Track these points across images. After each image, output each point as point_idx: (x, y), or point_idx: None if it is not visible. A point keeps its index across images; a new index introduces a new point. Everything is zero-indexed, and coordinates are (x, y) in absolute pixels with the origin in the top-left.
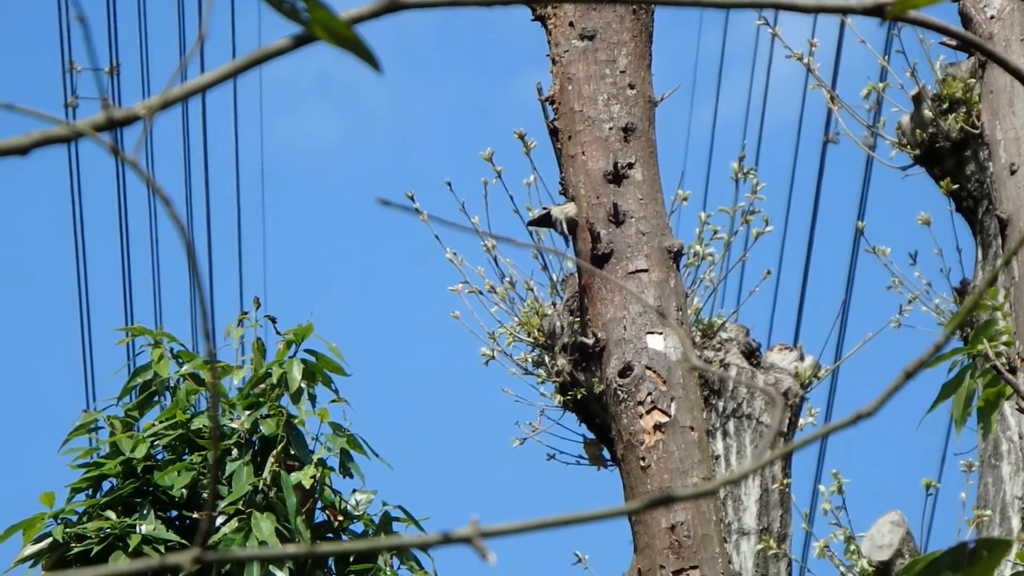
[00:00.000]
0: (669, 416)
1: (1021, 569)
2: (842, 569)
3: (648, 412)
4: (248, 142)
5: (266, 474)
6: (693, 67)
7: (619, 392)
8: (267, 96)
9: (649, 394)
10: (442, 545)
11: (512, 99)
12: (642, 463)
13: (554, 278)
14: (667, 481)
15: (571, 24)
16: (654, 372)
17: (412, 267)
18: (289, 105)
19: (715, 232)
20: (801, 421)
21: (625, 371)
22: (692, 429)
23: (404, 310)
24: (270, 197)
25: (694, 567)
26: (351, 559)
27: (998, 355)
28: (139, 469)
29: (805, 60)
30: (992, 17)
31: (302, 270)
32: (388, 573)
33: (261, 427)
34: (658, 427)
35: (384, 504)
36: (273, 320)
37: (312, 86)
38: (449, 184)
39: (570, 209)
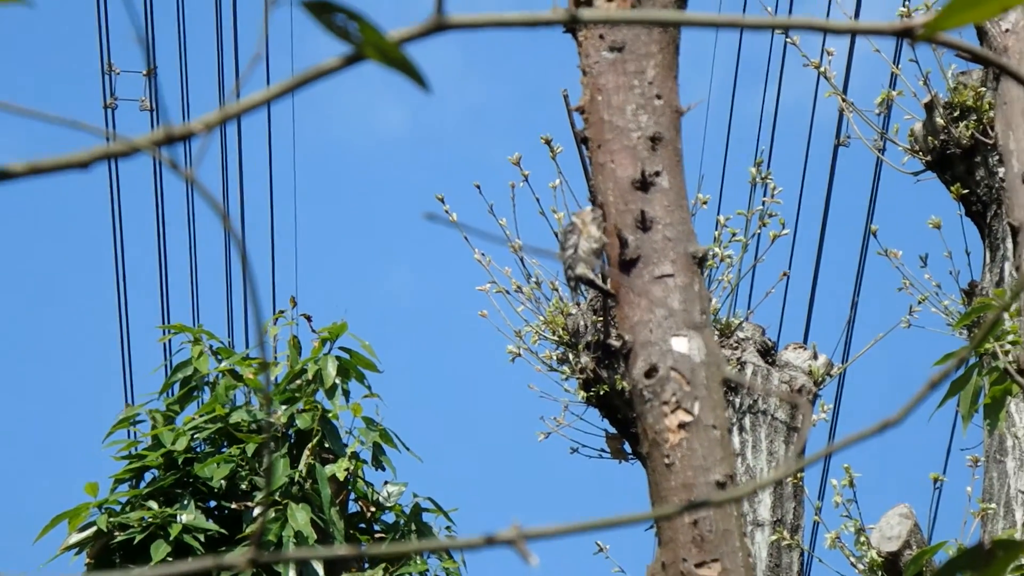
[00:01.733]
0: (693, 415)
1: None
2: (852, 559)
3: (673, 411)
4: (283, 132)
5: (302, 466)
6: (710, 70)
7: (644, 392)
8: (333, 80)
9: (674, 394)
10: (485, 547)
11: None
12: (667, 460)
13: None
14: (691, 478)
15: (601, 36)
16: (679, 373)
17: (456, 260)
18: (354, 89)
19: (733, 234)
20: (814, 417)
21: (651, 372)
22: (715, 428)
23: (445, 302)
24: (334, 182)
25: (715, 560)
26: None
27: (1006, 354)
28: (180, 461)
29: (822, 68)
30: (1007, 31)
31: (364, 254)
32: (418, 562)
33: (297, 421)
34: (682, 426)
35: (415, 495)
36: (308, 318)
37: (376, 70)
38: (479, 187)
39: (585, 248)
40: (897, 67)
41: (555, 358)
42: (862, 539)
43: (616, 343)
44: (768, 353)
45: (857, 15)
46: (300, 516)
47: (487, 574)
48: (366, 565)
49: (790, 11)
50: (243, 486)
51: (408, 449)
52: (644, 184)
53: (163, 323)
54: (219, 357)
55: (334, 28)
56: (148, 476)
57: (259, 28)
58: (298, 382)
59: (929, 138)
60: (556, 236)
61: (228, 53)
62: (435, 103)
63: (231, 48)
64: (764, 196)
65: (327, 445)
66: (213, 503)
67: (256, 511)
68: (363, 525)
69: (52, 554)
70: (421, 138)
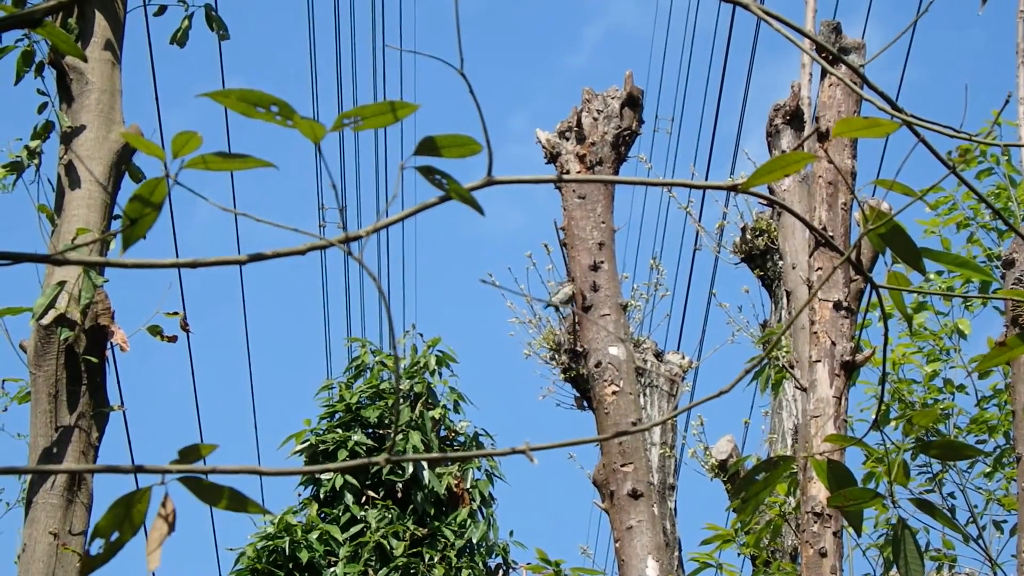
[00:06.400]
0: (619, 387)
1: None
2: (701, 462)
3: (609, 385)
4: (432, 227)
5: (416, 411)
6: (630, 203)
7: (595, 374)
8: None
9: (610, 376)
10: (511, 454)
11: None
12: (606, 411)
13: (560, 318)
14: (618, 419)
15: (573, 190)
16: (612, 365)
17: (500, 306)
18: (492, 200)
19: (641, 294)
20: (683, 388)
21: (598, 364)
22: (631, 394)
23: (496, 327)
24: (451, 258)
25: (631, 462)
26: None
27: (783, 357)
28: (353, 407)
29: (687, 208)
30: (785, 189)
31: (457, 298)
32: (476, 462)
33: (414, 387)
34: (614, 393)
35: (475, 427)
36: (421, 335)
37: (497, 190)
38: (510, 269)
39: (562, 295)
40: (726, 207)
41: (549, 356)
42: (707, 452)
43: (580, 349)
44: (659, 355)
45: (707, 177)
46: (415, 437)
47: (512, 468)
48: (448, 464)
49: (673, 173)
50: (386, 421)
51: (471, 403)
52: (595, 267)
53: (347, 336)
54: (375, 354)
55: (434, 181)
56: (337, 416)
57: (396, 182)
58: (415, 367)
59: (743, 244)
60: (548, 292)
61: (382, 192)
62: (536, 211)
63: (383, 189)
64: (656, 275)
65: (430, 400)
66: (370, 430)
67: (392, 434)
68: (448, 442)
69: (287, 455)
70: (526, 230)
